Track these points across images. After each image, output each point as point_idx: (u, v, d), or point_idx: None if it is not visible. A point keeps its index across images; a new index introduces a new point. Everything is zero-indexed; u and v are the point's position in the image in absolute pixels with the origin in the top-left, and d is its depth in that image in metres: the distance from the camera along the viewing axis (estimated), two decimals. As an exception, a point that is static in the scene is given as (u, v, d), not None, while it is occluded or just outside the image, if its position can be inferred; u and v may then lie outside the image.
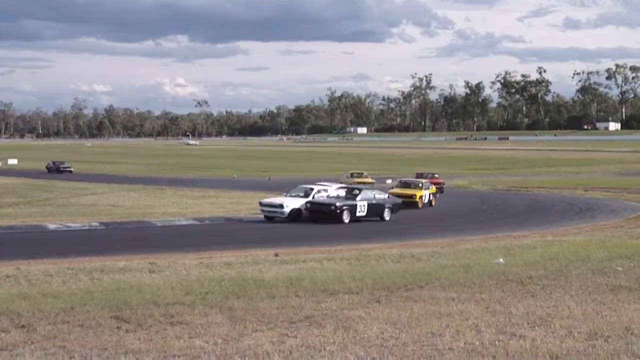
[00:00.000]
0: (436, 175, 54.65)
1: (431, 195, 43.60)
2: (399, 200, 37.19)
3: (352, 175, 61.76)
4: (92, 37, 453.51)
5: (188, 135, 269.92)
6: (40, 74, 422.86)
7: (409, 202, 40.26)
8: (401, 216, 36.02)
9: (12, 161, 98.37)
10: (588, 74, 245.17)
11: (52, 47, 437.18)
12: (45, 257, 20.78)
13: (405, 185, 44.27)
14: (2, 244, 25.49)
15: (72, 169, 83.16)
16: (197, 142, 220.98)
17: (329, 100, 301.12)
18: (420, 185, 43.63)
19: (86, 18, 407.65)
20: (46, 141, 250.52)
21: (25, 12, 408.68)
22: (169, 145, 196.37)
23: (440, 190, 48.82)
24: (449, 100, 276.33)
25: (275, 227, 32.69)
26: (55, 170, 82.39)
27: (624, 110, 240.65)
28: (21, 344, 9.70)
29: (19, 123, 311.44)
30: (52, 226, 30.90)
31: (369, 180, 59.26)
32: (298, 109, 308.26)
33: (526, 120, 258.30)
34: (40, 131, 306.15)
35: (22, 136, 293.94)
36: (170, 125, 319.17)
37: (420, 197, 42.10)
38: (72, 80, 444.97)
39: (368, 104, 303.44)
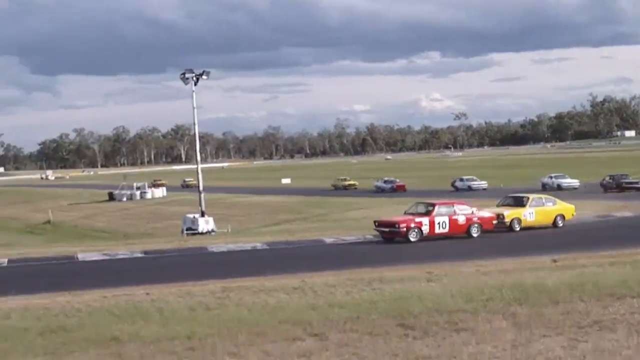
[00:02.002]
0: None
1: None
2: None
3: None
4: (346, 60, 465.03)
5: (450, 148, 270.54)
6: (301, 98, 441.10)
7: None
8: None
9: (286, 180, 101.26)
10: None
11: (308, 72, 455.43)
12: (325, 269, 21.61)
13: None
14: (287, 257, 27.11)
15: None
16: (460, 154, 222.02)
17: (591, 106, 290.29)
18: None
19: (340, 42, 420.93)
20: (314, 160, 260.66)
21: (284, 41, 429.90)
22: (431, 158, 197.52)
23: None
24: None
25: (547, 234, 31.95)
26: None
27: None
28: (317, 351, 10.15)
29: (287, 144, 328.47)
30: (328, 240, 32.18)
31: None
32: (559, 116, 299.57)
33: None
34: (307, 151, 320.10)
35: (291, 157, 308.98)
36: (430, 139, 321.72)
37: None
38: (331, 101, 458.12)
39: (633, 106, 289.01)
